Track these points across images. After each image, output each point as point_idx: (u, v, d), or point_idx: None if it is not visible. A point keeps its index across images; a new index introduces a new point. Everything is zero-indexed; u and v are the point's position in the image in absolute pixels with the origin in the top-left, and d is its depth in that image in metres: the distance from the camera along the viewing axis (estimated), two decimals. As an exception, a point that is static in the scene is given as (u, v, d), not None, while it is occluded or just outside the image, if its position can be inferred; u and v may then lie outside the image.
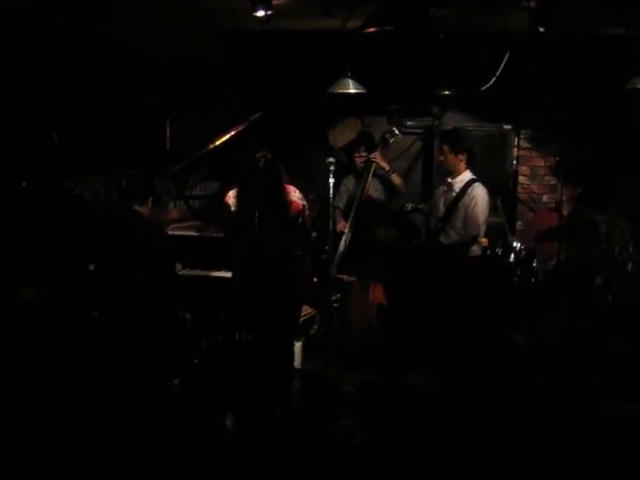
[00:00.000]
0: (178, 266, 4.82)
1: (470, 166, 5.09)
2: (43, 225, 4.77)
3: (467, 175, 5.06)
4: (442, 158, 5.16)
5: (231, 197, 4.13)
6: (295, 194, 4.14)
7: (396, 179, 5.72)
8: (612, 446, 3.56)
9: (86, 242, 4.67)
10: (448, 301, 4.53)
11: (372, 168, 5.49)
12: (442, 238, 5.04)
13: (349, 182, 5.94)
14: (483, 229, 4.99)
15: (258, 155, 4.02)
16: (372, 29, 4.02)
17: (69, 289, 4.55)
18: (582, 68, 5.84)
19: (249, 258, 4.05)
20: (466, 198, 4.96)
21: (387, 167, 5.62)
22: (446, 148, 5.06)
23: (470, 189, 4.97)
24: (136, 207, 4.47)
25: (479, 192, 4.96)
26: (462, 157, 5.03)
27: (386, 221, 5.64)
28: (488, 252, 5.03)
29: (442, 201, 5.15)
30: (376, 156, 5.49)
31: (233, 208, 4.10)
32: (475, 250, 4.99)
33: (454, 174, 5.08)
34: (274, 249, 4.05)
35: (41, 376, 4.19)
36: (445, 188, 5.17)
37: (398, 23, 3.94)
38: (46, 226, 4.76)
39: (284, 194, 4.07)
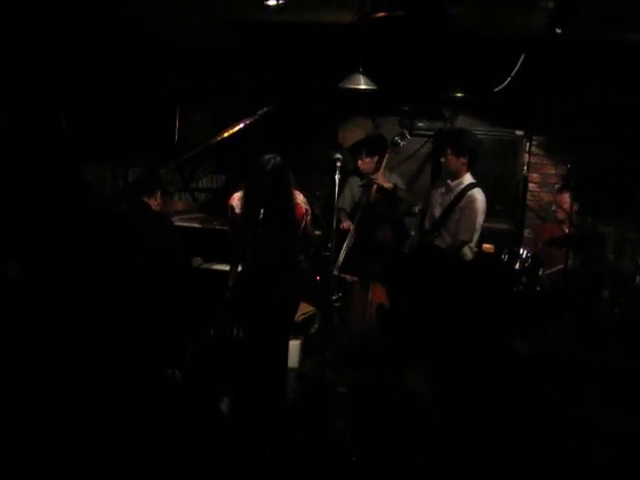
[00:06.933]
0: (199, 260, 4.79)
1: (472, 169, 4.99)
2: (38, 202, 4.73)
3: (467, 179, 4.96)
4: (443, 159, 5.05)
5: (236, 199, 4.10)
6: (299, 197, 4.13)
7: (401, 193, 5.57)
8: (613, 457, 3.49)
9: (86, 229, 4.64)
10: (446, 304, 4.46)
11: (374, 188, 5.39)
12: (437, 241, 4.96)
13: (354, 182, 5.83)
14: (477, 234, 4.90)
15: (267, 157, 3.99)
16: (382, 14, 3.94)
17: (59, 271, 4.51)
18: (598, 75, 5.74)
19: (250, 259, 4.01)
20: (463, 202, 4.86)
21: (391, 186, 5.43)
22: (448, 150, 4.96)
23: (469, 193, 4.87)
24: (145, 199, 4.48)
25: (477, 197, 4.86)
26: (464, 160, 4.93)
27: (386, 225, 5.54)
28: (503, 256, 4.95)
29: (439, 202, 5.05)
30: (377, 178, 5.36)
31: (237, 210, 4.06)
32: (468, 254, 4.89)
33: (454, 176, 4.99)
34: (276, 251, 4.01)
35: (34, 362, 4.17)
36: (443, 190, 5.07)
37: (408, 9, 3.86)
38: (41, 205, 4.72)
39: (289, 197, 4.05)
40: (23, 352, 4.24)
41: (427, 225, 5.11)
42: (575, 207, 5.38)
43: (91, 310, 4.36)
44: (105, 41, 5.71)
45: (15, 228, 4.54)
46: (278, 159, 3.99)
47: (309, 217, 4.17)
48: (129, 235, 4.43)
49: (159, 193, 4.59)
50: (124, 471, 3.36)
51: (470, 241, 4.83)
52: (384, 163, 5.44)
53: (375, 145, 5.76)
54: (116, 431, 3.67)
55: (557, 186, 6.09)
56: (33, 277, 4.43)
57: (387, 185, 5.40)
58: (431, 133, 6.48)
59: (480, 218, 4.86)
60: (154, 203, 4.54)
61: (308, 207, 4.17)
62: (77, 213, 4.79)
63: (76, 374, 4.14)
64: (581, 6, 4.01)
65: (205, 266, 4.93)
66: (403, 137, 5.40)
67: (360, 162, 5.70)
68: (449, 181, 5.02)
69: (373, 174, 5.46)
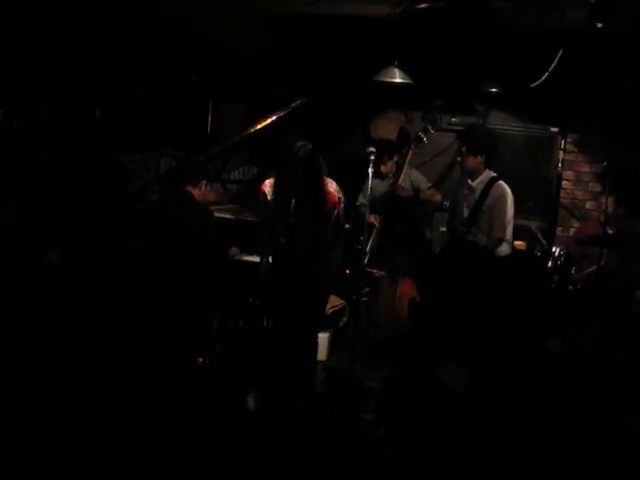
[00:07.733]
0: (234, 250, 4.81)
1: (490, 166, 4.93)
2: (82, 193, 4.80)
3: (488, 174, 4.89)
4: (460, 159, 5.00)
5: (267, 186, 4.10)
6: (332, 186, 4.11)
7: (424, 195, 5.53)
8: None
9: (127, 218, 4.68)
10: (479, 299, 4.43)
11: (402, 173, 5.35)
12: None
13: (374, 184, 5.75)
14: (510, 228, 4.84)
15: (298, 145, 3.98)
16: (424, 5, 3.90)
17: (100, 258, 4.56)
18: (636, 72, 5.63)
19: (281, 247, 4.01)
20: (490, 199, 4.80)
21: (409, 194, 5.48)
22: (464, 149, 4.90)
23: (493, 189, 4.81)
24: (189, 188, 4.50)
25: (504, 190, 4.81)
26: (481, 158, 4.86)
27: (412, 220, 5.51)
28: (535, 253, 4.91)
29: (465, 203, 4.99)
30: (395, 186, 5.33)
31: (269, 197, 4.07)
32: (504, 250, 4.84)
33: (473, 175, 4.92)
34: (307, 239, 4.00)
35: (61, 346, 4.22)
36: (466, 191, 5.01)
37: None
38: (85, 194, 4.78)
39: (321, 185, 4.03)
40: (59, 335, 4.30)
41: (457, 226, 5.07)
42: (619, 210, 5.32)
43: (126, 298, 4.40)
44: (139, 35, 5.75)
45: (58, 217, 4.60)
46: (310, 146, 3.99)
47: (342, 206, 4.14)
48: (170, 224, 4.43)
49: (204, 183, 4.61)
50: (149, 460, 3.38)
51: (504, 236, 4.79)
52: (407, 159, 5.40)
53: (396, 145, 5.73)
54: (143, 418, 3.70)
55: (597, 189, 6.05)
56: (74, 264, 4.48)
57: (405, 194, 5.40)
58: (464, 128, 6.43)
59: (510, 210, 4.82)
60: (198, 192, 4.55)
61: (341, 196, 4.14)
62: (119, 203, 4.84)
63: (107, 361, 4.19)
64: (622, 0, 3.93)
65: (237, 257, 4.96)
66: (426, 132, 5.35)
67: (382, 167, 5.66)
68: (469, 181, 4.96)
69: (395, 172, 5.42)
